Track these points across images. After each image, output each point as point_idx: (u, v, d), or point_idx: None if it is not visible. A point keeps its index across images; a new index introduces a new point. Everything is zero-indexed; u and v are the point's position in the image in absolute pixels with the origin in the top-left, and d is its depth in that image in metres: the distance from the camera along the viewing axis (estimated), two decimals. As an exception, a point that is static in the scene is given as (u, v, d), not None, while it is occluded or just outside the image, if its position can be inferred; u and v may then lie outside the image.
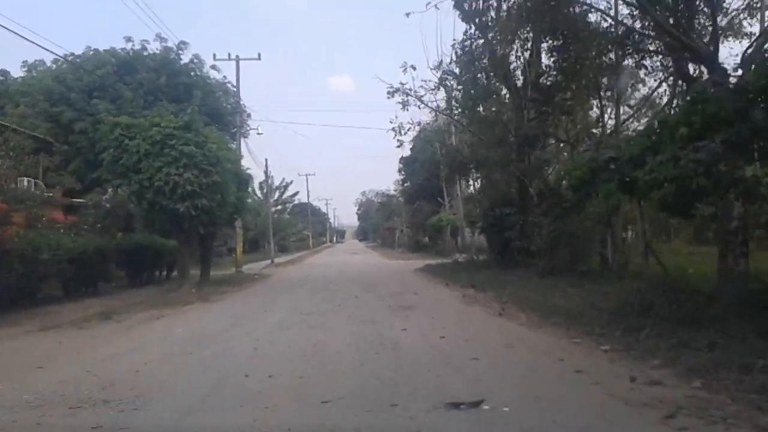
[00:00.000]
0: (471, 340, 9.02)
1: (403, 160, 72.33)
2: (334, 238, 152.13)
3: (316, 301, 15.57)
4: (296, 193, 62.74)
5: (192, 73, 32.87)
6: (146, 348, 9.32)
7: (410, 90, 23.95)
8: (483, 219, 27.37)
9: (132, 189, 17.94)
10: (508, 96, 22.71)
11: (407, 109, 24.23)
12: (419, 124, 27.08)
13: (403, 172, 73.08)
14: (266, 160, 41.91)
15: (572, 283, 16.53)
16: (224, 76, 35.36)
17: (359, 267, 33.13)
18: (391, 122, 25.77)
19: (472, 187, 54.41)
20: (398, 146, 30.44)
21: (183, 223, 18.89)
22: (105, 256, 19.89)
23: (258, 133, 34.55)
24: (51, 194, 26.43)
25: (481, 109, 22.06)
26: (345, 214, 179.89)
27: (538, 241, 23.50)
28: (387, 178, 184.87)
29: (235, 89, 34.53)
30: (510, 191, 25.35)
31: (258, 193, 56.20)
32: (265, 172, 42.52)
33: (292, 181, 60.75)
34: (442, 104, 25.27)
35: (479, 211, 39.30)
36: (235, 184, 21.06)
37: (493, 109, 22.39)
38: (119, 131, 17.97)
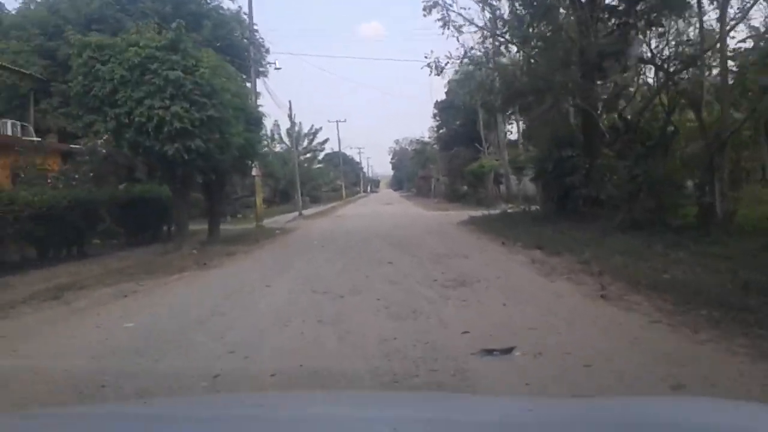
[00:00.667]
0: (596, 365, 5.00)
1: (437, 104, 67.82)
2: (368, 188, 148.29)
3: (336, 270, 11.72)
4: (326, 140, 58.61)
5: (202, 1, 28.71)
6: (37, 370, 5.59)
7: (452, 3, 19.38)
8: (537, 163, 23.08)
9: (108, 127, 14.17)
10: (570, 8, 17.97)
11: (448, 28, 19.61)
12: (461, 57, 22.48)
13: (438, 118, 68.65)
14: (290, 102, 37.89)
15: (668, 242, 12.44)
16: (239, 7, 31.20)
17: (394, 219, 29.20)
18: (426, 57, 21.24)
19: (515, 131, 49.98)
20: (437, 74, 25.89)
21: (175, 169, 15.15)
22: (91, 210, 16.41)
23: (276, 68, 30.07)
24: (40, 139, 23.02)
25: (536, 27, 17.47)
26: (379, 164, 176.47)
27: (608, 188, 19.32)
28: (421, 126, 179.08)
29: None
30: (572, 128, 20.97)
31: (285, 140, 52.28)
32: (290, 116, 38.47)
33: (321, 128, 56.61)
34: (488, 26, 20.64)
35: (528, 154, 34.98)
36: (242, 122, 17.14)
37: (550, 28, 17.76)
38: (89, 53, 14.08)
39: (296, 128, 54.08)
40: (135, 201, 18.38)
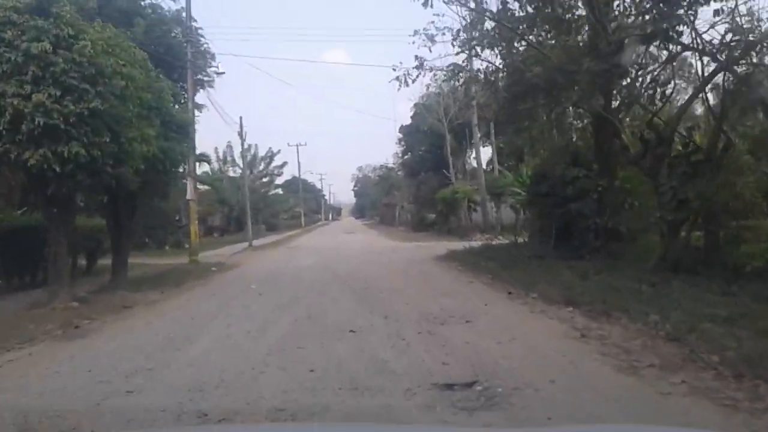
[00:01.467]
0: None
1: (402, 129, 64.09)
2: (330, 216, 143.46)
3: (264, 348, 7.10)
4: (284, 164, 53.91)
5: (133, -5, 24.13)
6: None
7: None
8: (532, 186, 18.97)
9: (-63, 123, 9.46)
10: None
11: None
12: (433, 69, 18.51)
13: (402, 143, 64.92)
14: (240, 118, 33.12)
15: (756, 294, 8.45)
16: (181, 8, 26.68)
17: (357, 252, 24.88)
18: (394, 69, 16.99)
19: (486, 155, 46.28)
20: (407, 85, 21.98)
21: (46, 185, 10.47)
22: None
23: (217, 73, 25.48)
24: None
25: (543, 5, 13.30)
26: (341, 191, 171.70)
27: (626, 217, 15.36)
28: (385, 152, 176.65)
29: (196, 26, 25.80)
30: (578, 141, 17.02)
31: (240, 162, 47.55)
32: (240, 134, 33.74)
33: (279, 151, 52.01)
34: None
35: (504, 180, 31.20)
36: (156, 125, 12.60)
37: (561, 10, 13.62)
38: None
39: (252, 150, 49.53)
40: (10, 233, 13.60)
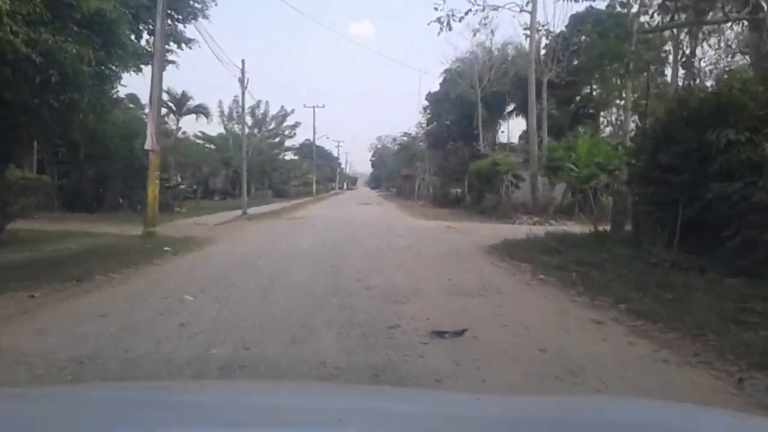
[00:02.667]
0: None
1: (430, 96, 57.68)
2: (345, 185, 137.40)
3: None
4: (297, 125, 47.53)
5: None
6: None
7: None
8: (637, 153, 12.71)
9: None
10: None
11: None
12: None
13: (429, 111, 58.43)
14: (243, 62, 26.78)
15: None
16: None
17: (371, 232, 18.97)
18: (436, 8, 11.27)
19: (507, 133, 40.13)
20: (450, 29, 16.51)
21: None
22: None
23: None
24: None
25: None
26: (358, 161, 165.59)
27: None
28: (406, 123, 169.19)
29: None
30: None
31: (249, 119, 41.43)
32: (240, 80, 27.32)
33: (293, 110, 45.70)
34: None
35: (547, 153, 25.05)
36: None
37: None
38: None
39: (261, 108, 43.34)
40: None
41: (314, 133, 61.36)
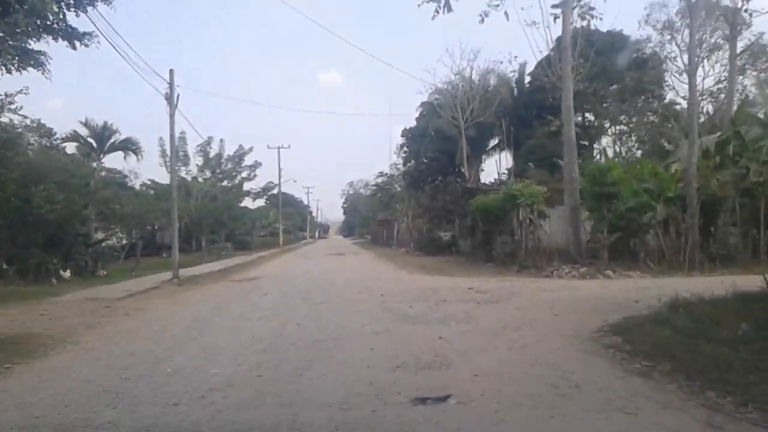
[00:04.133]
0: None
1: (406, 132, 51.67)
2: (317, 233, 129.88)
3: None
4: (257, 165, 40.18)
5: None
6: None
7: None
8: None
9: None
10: None
11: None
12: None
13: (405, 149, 52.31)
14: (171, 72, 19.49)
15: None
16: None
17: (354, 300, 12.14)
18: None
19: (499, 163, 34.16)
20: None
21: None
22: None
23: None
24: None
25: None
26: (329, 208, 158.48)
27: None
28: (379, 167, 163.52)
29: None
30: None
31: (195, 162, 34.18)
32: (168, 96, 19.84)
33: (251, 148, 38.26)
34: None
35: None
36: None
37: None
38: None
39: (214, 146, 36.19)
40: None
41: (279, 176, 54.35)
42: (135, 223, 34.35)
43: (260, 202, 68.12)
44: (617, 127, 37.14)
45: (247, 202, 47.30)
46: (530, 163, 39.11)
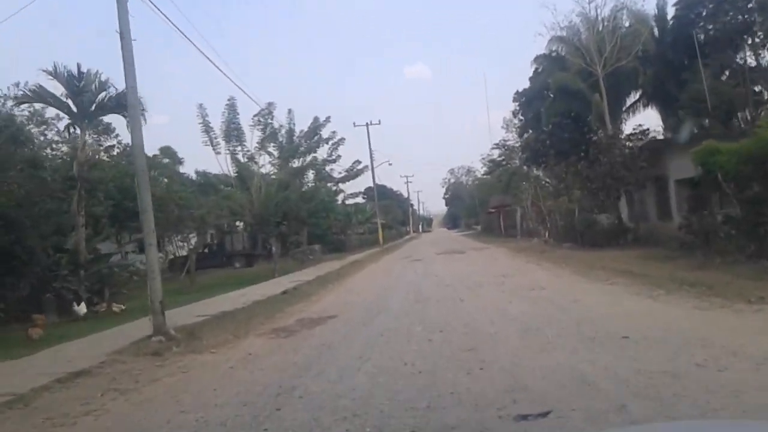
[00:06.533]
0: None
1: (519, 96, 40.25)
2: (420, 227, 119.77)
3: None
4: (340, 141, 29.79)
5: None
6: None
7: None
8: None
9: None
10: None
11: None
12: None
13: (520, 117, 40.89)
14: None
15: None
16: None
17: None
18: None
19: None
20: None
21: None
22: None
23: None
24: None
25: None
26: (429, 200, 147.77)
27: None
28: (478, 153, 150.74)
29: None
30: None
31: (250, 134, 24.26)
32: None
33: (328, 118, 28.28)
34: None
35: None
36: None
37: None
38: None
39: (275, 115, 26.60)
40: None
41: (371, 159, 44.21)
42: (198, 225, 25.67)
43: (357, 199, 58.82)
44: None
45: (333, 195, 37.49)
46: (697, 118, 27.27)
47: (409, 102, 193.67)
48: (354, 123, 44.31)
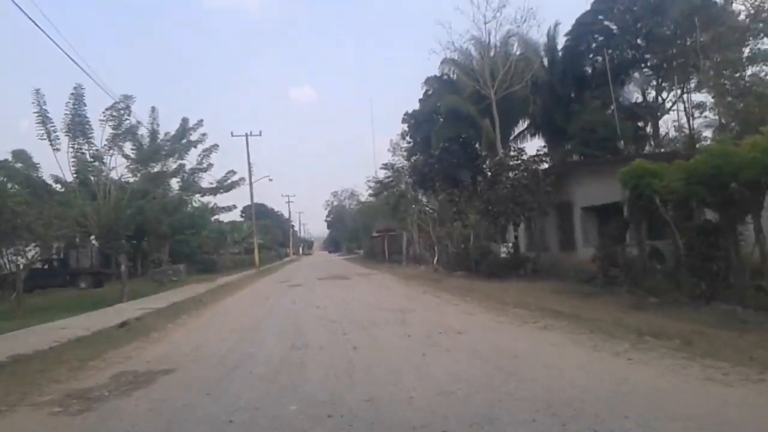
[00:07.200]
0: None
1: (409, 117, 38.58)
2: (301, 249, 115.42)
3: None
4: (211, 149, 25.61)
5: None
6: None
7: None
8: None
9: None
10: None
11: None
12: None
13: (408, 140, 39.22)
14: None
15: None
16: None
17: None
18: None
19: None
20: None
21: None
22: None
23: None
24: None
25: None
26: (311, 222, 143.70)
27: None
28: (362, 177, 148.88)
29: None
30: None
31: (100, 131, 19.65)
32: None
33: (200, 122, 24.15)
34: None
35: None
36: None
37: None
38: None
39: (140, 117, 22.31)
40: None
41: (250, 175, 40.07)
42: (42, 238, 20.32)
43: (232, 216, 54.10)
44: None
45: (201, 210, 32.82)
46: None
47: (294, 123, 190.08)
48: (232, 132, 40.13)
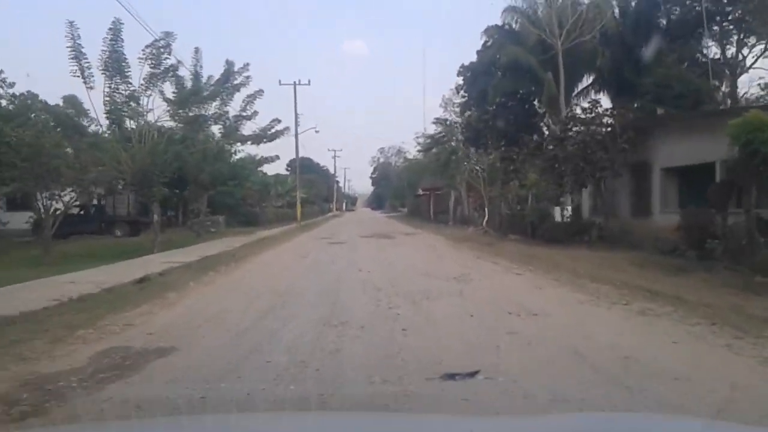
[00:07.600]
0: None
1: (465, 70, 35.90)
2: (344, 205, 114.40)
3: None
4: (258, 93, 24.08)
5: None
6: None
7: None
8: None
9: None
10: None
11: None
12: None
13: (464, 94, 36.60)
14: None
15: None
16: None
17: None
18: None
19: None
20: None
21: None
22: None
23: None
24: None
25: None
26: (356, 179, 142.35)
27: None
28: (411, 134, 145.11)
29: None
30: None
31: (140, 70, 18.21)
32: None
33: (247, 65, 22.54)
34: None
35: None
36: None
37: None
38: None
39: (181, 56, 20.77)
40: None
41: (296, 122, 38.32)
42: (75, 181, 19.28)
43: (276, 167, 52.79)
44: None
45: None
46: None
47: (344, 77, 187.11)
48: (279, 81, 38.41)
